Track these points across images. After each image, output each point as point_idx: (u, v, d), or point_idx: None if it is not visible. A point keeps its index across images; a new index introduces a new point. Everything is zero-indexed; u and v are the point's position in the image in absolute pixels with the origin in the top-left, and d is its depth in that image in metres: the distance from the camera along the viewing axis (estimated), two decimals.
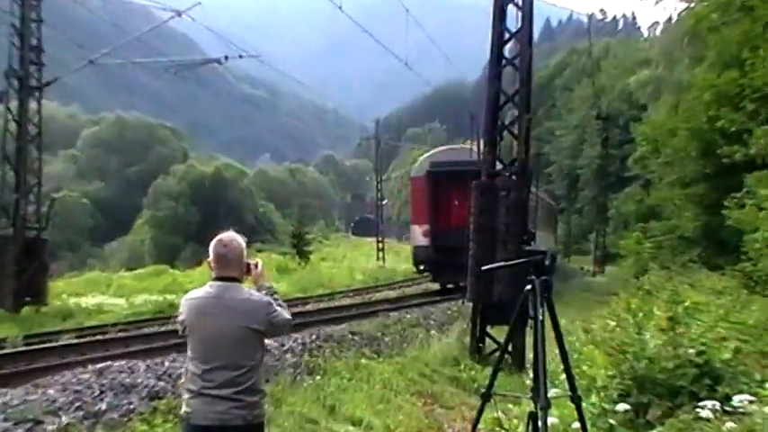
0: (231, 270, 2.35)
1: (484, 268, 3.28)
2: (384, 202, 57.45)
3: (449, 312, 11.93)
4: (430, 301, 14.14)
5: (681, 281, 7.99)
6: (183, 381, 2.35)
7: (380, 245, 29.72)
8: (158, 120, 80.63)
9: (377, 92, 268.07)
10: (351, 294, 16.28)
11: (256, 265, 2.53)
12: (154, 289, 17.35)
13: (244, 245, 2.41)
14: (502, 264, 3.29)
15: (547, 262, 2.87)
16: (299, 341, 9.07)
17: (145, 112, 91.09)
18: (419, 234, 15.06)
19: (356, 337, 9.48)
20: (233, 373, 2.23)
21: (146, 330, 10.54)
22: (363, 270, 23.56)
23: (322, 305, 13.97)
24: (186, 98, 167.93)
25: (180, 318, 2.37)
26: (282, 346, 8.70)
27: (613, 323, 4.53)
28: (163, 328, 10.00)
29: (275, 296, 2.48)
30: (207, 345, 2.27)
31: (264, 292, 2.47)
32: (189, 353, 2.33)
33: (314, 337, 9.39)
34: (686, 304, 4.30)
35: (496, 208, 6.97)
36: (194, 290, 2.39)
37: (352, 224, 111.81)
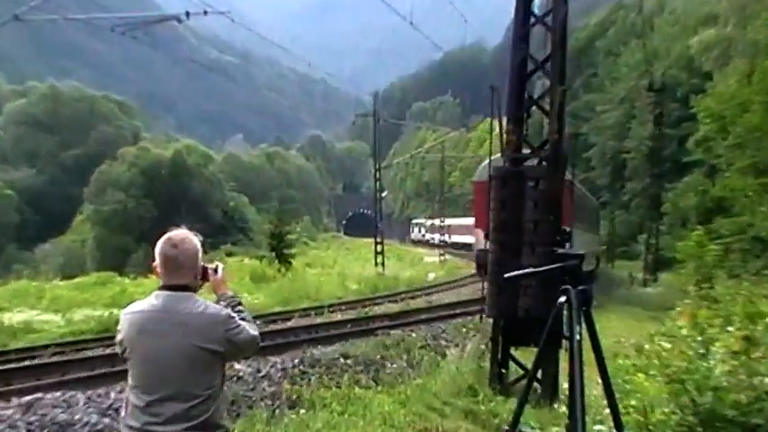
0: (182, 276, 2.33)
1: (507, 276, 3.24)
2: (384, 195, 57.54)
3: (464, 330, 11.96)
4: (440, 317, 14.20)
5: (755, 292, 7.95)
6: (122, 415, 2.31)
7: (379, 247, 29.67)
8: (102, 91, 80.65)
9: (375, 58, 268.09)
10: (343, 308, 16.29)
11: (215, 270, 2.52)
12: (97, 302, 17.32)
13: (199, 245, 2.39)
14: (529, 270, 3.23)
15: (586, 268, 2.83)
16: (279, 366, 9.11)
17: (85, 81, 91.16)
18: (482, 237, 16.94)
19: (349, 361, 9.53)
20: (184, 405, 2.21)
21: (87, 353, 10.53)
22: (358, 278, 23.56)
23: (307, 321, 13.96)
24: (138, 64, 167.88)
25: (119, 336, 2.35)
26: (258, 372, 8.72)
27: (669, 344, 4.49)
28: (108, 351, 9.99)
29: (239, 308, 2.45)
30: (151, 370, 2.25)
31: (225, 302, 2.45)
32: (129, 380, 2.30)
33: (297, 360, 9.43)
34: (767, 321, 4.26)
35: (522, 201, 6.92)
36: (137, 302, 2.37)
37: (344, 221, 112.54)
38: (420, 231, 76.11)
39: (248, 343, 2.37)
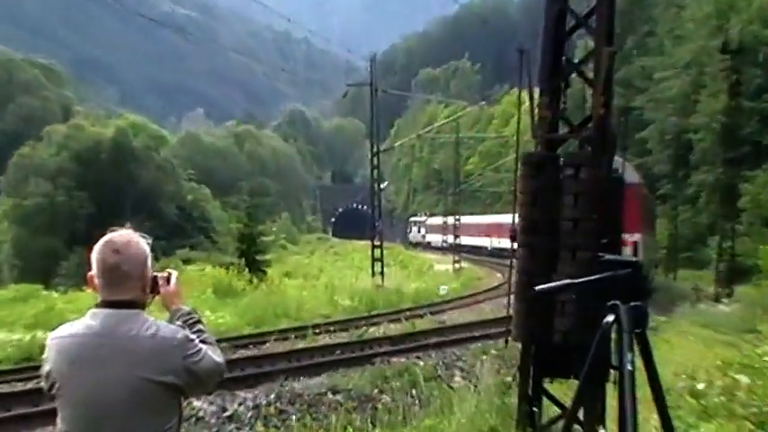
0: (127, 289, 2.32)
1: (539, 289, 3.22)
2: (383, 186, 57.48)
3: (484, 357, 11.95)
4: (455, 341, 14.24)
5: None
6: None
7: (377, 252, 29.65)
8: (24, 53, 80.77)
9: (372, 13, 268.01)
10: (331, 329, 16.32)
11: (168, 280, 2.52)
12: (16, 322, 17.31)
13: (148, 250, 2.39)
14: (568, 282, 3.24)
15: (641, 279, 2.82)
16: (250, 403, 9.17)
17: (1, 39, 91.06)
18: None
19: (339, 397, 9.58)
20: None
21: (2, 389, 10.55)
22: (351, 291, 23.60)
23: (286, 346, 14.00)
24: (70, 21, 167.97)
25: (45, 368, 2.33)
26: (223, 411, 8.76)
27: (748, 378, 4.50)
28: (30, 386, 10.00)
29: (198, 327, 2.45)
30: (88, 410, 2.24)
31: (180, 320, 2.45)
32: (59, 424, 2.29)
33: (273, 396, 9.49)
34: None
35: (558, 195, 6.92)
36: (68, 323, 2.35)
37: (332, 219, 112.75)
38: (419, 232, 76.61)
39: (211, 372, 2.37)
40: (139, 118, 72.28)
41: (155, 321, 2.32)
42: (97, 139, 58.37)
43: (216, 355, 2.39)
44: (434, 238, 68.90)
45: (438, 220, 66.79)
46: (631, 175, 20.19)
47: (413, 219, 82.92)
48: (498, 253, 52.01)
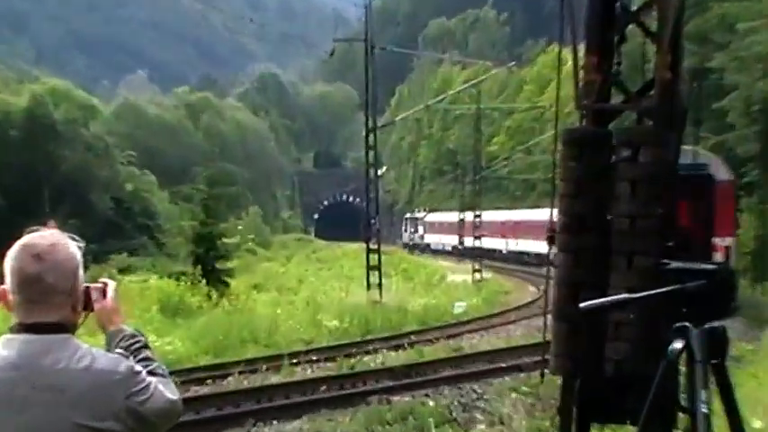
0: (52, 308, 2.29)
1: (584, 306, 3.22)
2: (381, 172, 57.43)
3: (513, 396, 11.99)
4: (474, 374, 14.30)
5: None
6: None
7: (374, 257, 29.61)
8: None
9: None
10: (314, 359, 16.39)
11: (104, 292, 2.51)
12: None
13: (78, 255, 2.36)
14: (623, 297, 3.25)
15: (722, 293, 2.82)
16: None
17: None
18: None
19: None
20: None
21: None
22: (339, 309, 23.60)
23: (256, 381, 14.09)
24: None
25: None
26: None
27: None
28: None
29: (145, 353, 2.45)
30: None
31: (121, 348, 2.44)
32: None
33: None
34: None
35: (610, 183, 6.92)
36: None
37: (315, 215, 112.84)
38: (416, 231, 76.91)
39: (163, 413, 2.35)
40: (62, 82, 72.06)
41: (89, 349, 2.29)
42: (6, 109, 58.20)
43: (168, 391, 2.37)
44: (436, 239, 69.00)
45: (440, 217, 66.84)
46: (722, 171, 21.63)
47: (408, 215, 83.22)
48: (516, 257, 52.11)
